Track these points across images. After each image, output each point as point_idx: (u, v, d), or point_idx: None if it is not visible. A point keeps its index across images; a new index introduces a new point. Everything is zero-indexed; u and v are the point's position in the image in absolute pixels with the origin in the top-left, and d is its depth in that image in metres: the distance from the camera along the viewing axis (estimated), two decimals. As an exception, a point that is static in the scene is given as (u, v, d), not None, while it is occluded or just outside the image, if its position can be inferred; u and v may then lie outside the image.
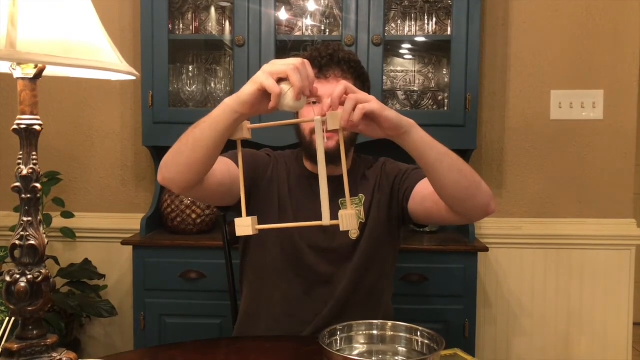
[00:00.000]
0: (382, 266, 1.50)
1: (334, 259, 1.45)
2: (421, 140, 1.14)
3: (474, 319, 2.14)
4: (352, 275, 1.44)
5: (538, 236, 2.47)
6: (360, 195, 1.47)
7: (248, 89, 1.07)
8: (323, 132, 1.04)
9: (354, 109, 1.05)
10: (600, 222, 2.47)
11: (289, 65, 1.02)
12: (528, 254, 2.48)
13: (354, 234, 1.44)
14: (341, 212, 1.05)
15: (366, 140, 1.81)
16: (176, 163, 1.19)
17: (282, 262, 1.45)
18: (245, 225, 1.06)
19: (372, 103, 1.07)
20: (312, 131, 1.38)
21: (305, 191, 1.47)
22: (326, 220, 1.04)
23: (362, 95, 1.08)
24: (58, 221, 2.40)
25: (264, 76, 1.04)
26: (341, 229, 1.05)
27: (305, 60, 1.05)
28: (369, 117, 1.07)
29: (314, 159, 1.40)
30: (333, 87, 1.33)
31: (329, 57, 1.39)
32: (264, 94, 1.05)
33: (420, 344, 1.08)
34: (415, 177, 1.42)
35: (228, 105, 1.10)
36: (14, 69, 0.84)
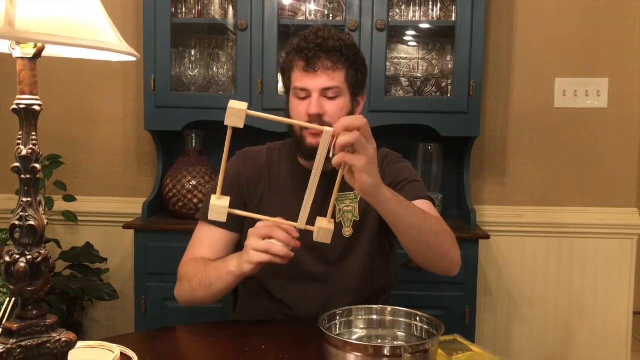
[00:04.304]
0: (382, 265, 1.44)
1: (328, 258, 1.38)
2: (388, 214, 1.14)
3: (474, 306, 2.15)
4: (351, 278, 1.38)
5: (540, 224, 2.46)
6: (356, 192, 1.38)
7: (248, 267, 1.18)
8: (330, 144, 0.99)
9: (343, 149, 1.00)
10: (602, 211, 2.46)
11: (266, 244, 1.12)
12: (529, 241, 2.48)
13: (347, 232, 1.37)
14: (318, 223, 1.05)
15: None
16: (196, 300, 1.34)
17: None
18: (219, 212, 1.06)
19: (359, 158, 1.00)
20: (302, 127, 1.30)
21: (295, 186, 1.39)
22: (301, 224, 1.06)
23: (360, 144, 0.99)
24: (60, 204, 2.40)
25: (256, 256, 1.14)
26: (314, 239, 1.06)
27: (275, 228, 1.12)
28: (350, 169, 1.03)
29: (303, 154, 1.35)
30: (322, 81, 1.27)
31: (317, 47, 1.27)
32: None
33: (419, 329, 1.07)
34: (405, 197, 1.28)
35: (233, 273, 1.22)
36: (13, 49, 0.83)
